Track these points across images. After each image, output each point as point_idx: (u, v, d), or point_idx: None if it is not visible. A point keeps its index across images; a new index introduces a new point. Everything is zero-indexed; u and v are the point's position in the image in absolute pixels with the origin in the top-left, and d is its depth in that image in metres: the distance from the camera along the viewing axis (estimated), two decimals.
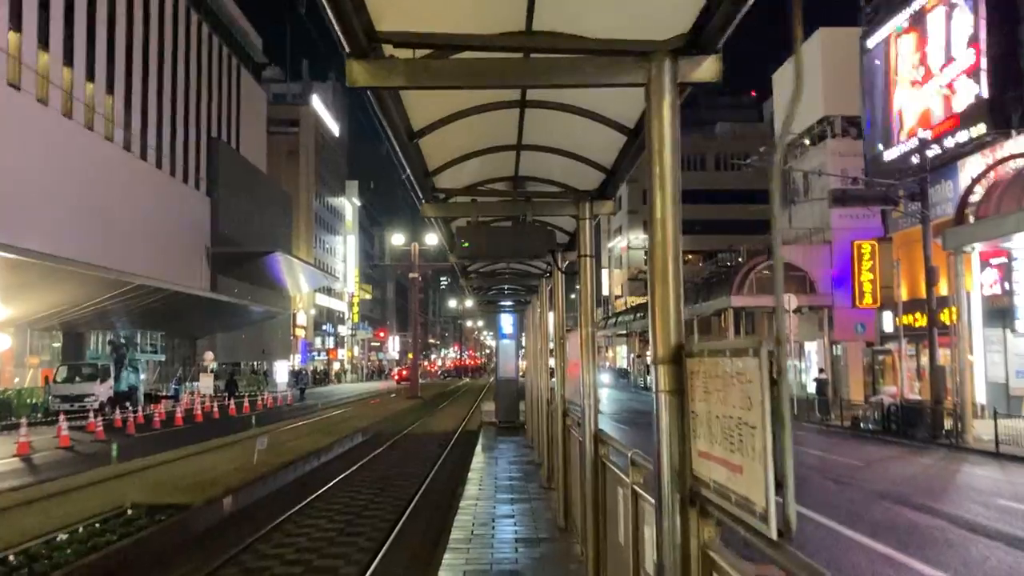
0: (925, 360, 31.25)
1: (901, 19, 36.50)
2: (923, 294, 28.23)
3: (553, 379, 12.71)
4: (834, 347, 43.03)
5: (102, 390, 35.45)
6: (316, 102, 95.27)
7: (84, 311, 43.61)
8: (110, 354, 39.35)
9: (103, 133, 49.00)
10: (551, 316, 14.57)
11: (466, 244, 8.85)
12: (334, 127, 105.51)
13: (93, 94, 48.49)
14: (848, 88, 41.06)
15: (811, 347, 44.27)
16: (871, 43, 38.81)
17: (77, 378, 35.97)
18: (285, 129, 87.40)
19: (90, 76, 48.40)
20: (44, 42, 44.10)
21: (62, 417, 26.40)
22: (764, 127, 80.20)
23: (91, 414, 28.85)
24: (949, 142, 31.54)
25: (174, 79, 57.67)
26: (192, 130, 60.58)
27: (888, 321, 37.50)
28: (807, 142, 46.56)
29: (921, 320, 30.85)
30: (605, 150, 7.24)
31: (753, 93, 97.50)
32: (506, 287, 19.26)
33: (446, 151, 7.83)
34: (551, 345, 14.89)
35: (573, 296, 16.71)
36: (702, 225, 72.01)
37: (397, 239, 53.69)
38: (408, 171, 7.52)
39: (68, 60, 46.29)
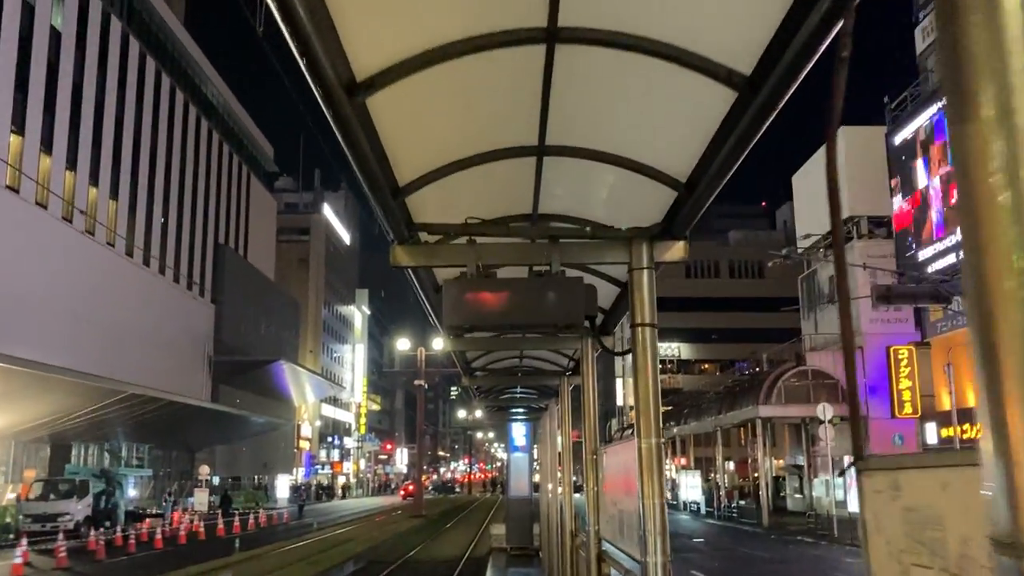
0: None
1: (927, 115, 34.88)
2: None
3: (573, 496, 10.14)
4: None
5: (79, 508, 32.41)
6: (327, 210, 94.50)
7: (74, 422, 41.02)
8: (95, 476, 36.45)
9: (104, 239, 47.38)
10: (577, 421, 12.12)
11: (458, 307, 6.29)
12: (345, 235, 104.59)
13: (96, 199, 47.10)
14: (874, 187, 39.26)
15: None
16: (898, 140, 37.15)
17: (52, 495, 32.97)
18: (296, 237, 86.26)
19: (93, 180, 47.06)
20: (47, 145, 42.87)
21: (24, 541, 23.48)
22: (777, 235, 78.66)
23: (61, 535, 25.87)
24: None
25: (181, 185, 56.46)
26: (198, 237, 59.07)
27: (932, 433, 34.59)
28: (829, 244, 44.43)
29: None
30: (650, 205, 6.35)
31: (764, 204, 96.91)
32: (518, 389, 16.87)
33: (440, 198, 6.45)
34: (568, 458, 12.46)
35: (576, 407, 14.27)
36: (718, 334, 69.56)
37: (403, 344, 51.47)
38: (369, 190, 5.47)
39: (71, 164, 45.03)
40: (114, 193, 48.81)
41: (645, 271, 6.47)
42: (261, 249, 72.89)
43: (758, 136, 4.21)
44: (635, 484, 5.80)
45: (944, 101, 1.45)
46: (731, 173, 4.94)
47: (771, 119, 3.96)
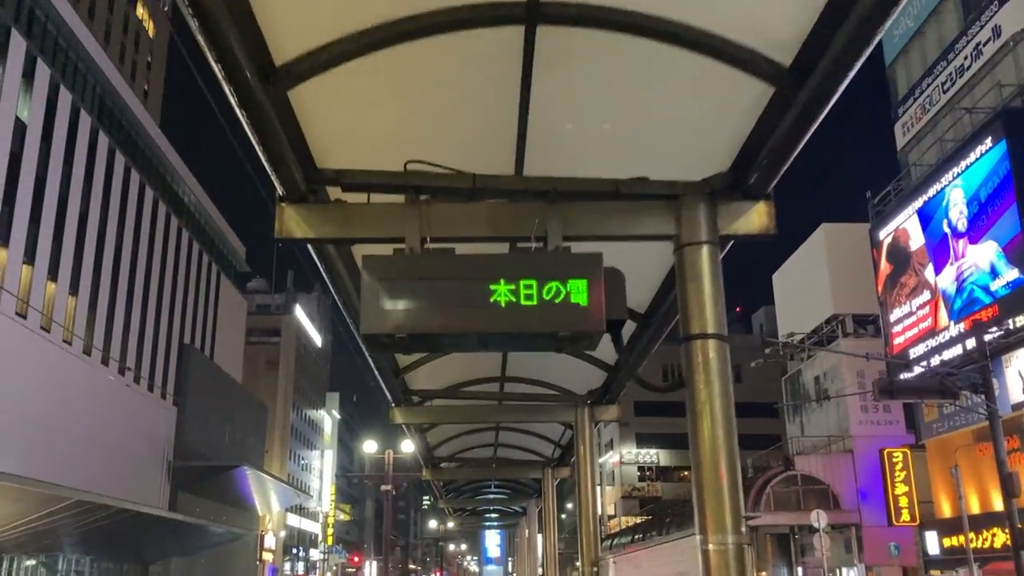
0: None
1: (912, 209, 33.02)
2: (991, 507, 22.75)
3: None
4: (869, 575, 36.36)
5: None
6: (299, 312, 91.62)
7: (13, 531, 36.75)
8: None
9: (61, 336, 44.01)
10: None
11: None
12: (316, 338, 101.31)
13: (54, 295, 43.95)
14: (858, 285, 37.24)
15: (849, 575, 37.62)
16: (883, 234, 35.13)
17: None
18: (265, 339, 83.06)
19: (53, 275, 44.01)
20: (3, 237, 39.97)
21: None
22: (753, 338, 76.23)
23: None
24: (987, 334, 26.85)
25: (147, 283, 53.49)
26: (163, 336, 55.77)
27: (933, 542, 31.33)
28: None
29: (1000, 537, 24.85)
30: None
31: (739, 309, 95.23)
32: (492, 486, 13.92)
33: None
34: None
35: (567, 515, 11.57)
36: None
37: (371, 446, 47.73)
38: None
39: (29, 258, 42.03)
40: (74, 289, 45.69)
41: (705, 246, 4.20)
42: (229, 350, 69.58)
43: None
44: None
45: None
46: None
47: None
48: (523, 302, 3.81)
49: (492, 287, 3.82)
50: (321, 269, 4.59)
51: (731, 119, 3.69)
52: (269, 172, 3.78)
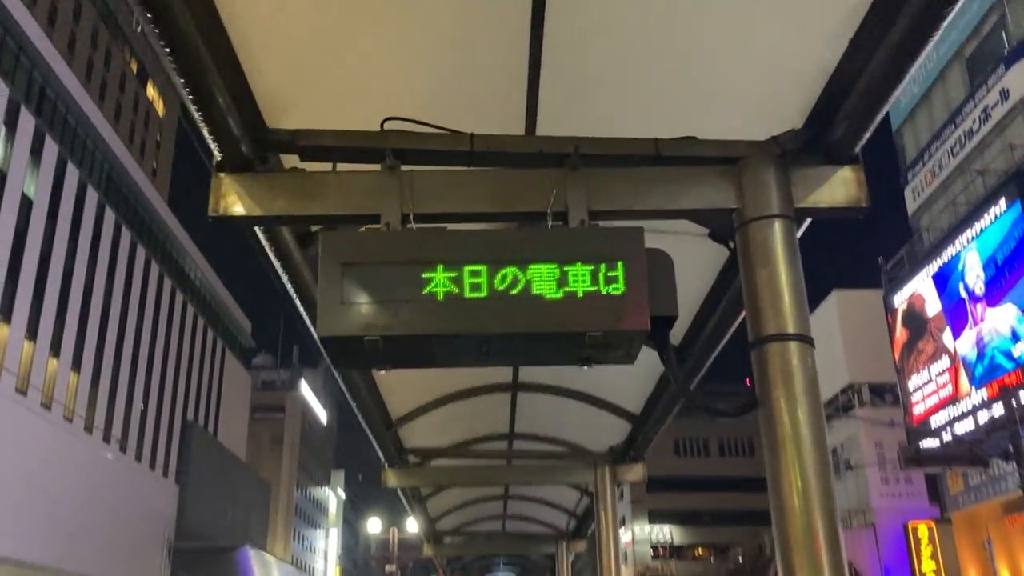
0: None
1: (926, 273, 32.12)
2: None
3: None
4: None
5: None
6: (304, 388, 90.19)
7: None
8: None
9: (62, 413, 42.86)
10: None
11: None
12: (322, 414, 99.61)
13: (56, 371, 42.93)
14: (873, 352, 36.09)
15: None
16: (897, 300, 34.15)
17: None
18: (270, 415, 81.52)
19: (55, 351, 43.06)
20: (6, 312, 39.13)
21: None
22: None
23: None
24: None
25: (151, 359, 52.48)
26: (166, 413, 54.52)
27: None
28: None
29: None
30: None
31: (748, 382, 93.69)
32: (501, 564, 12.65)
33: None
34: None
35: None
36: (710, 516, 64.33)
37: (375, 525, 45.69)
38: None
39: (31, 333, 41.14)
40: (76, 365, 44.69)
41: (778, 221, 3.22)
42: (233, 427, 68.19)
43: None
44: None
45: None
46: None
47: None
48: (538, 292, 2.81)
49: (496, 273, 2.83)
50: (274, 263, 3.58)
51: (806, 57, 2.76)
52: (202, 130, 2.83)
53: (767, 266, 2.86)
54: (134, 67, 57.41)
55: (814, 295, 41.36)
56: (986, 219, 28.69)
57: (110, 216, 47.77)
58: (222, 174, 2.99)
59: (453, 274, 2.81)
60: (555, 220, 3.07)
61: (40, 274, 41.34)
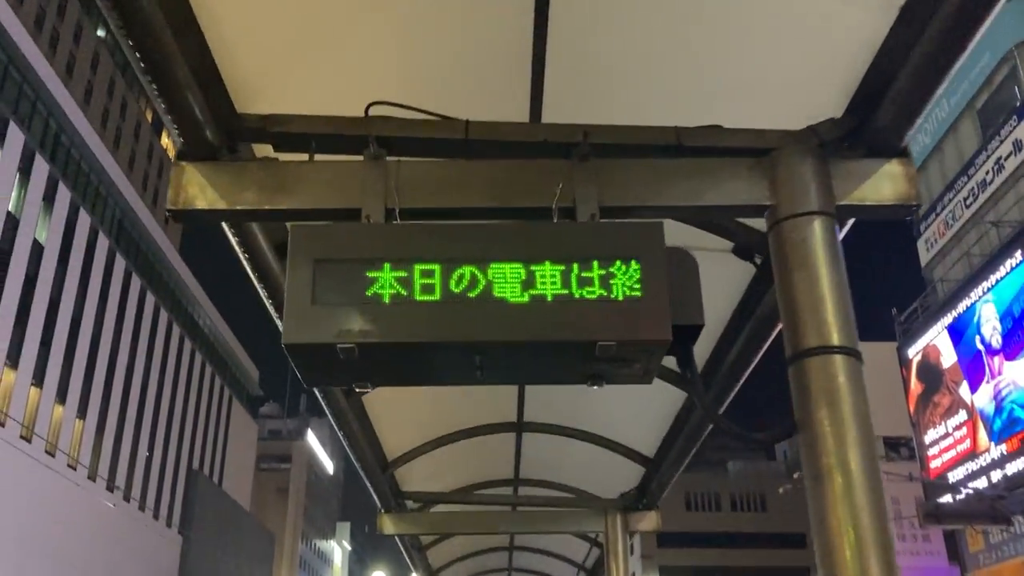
0: None
1: (941, 326, 31.58)
2: None
3: None
4: None
5: None
6: (311, 437, 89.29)
7: None
8: None
9: (67, 461, 42.34)
10: None
11: None
12: (328, 464, 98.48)
13: (61, 418, 42.52)
14: (887, 406, 35.28)
15: None
16: (912, 352, 33.50)
17: None
18: (276, 466, 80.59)
19: (61, 398, 42.71)
20: (13, 359, 38.87)
21: None
22: (777, 465, 73.68)
23: None
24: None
25: (157, 406, 52.05)
26: (171, 461, 53.89)
27: None
28: None
29: None
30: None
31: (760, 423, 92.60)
32: None
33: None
34: None
35: None
36: (721, 572, 62.86)
37: None
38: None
39: (38, 380, 40.83)
40: (82, 412, 44.29)
41: (818, 219, 2.79)
42: (238, 477, 67.34)
43: None
44: None
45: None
46: None
47: None
48: (542, 295, 2.43)
49: (492, 273, 2.45)
50: (242, 262, 3.19)
51: (847, 30, 2.40)
52: (162, 115, 2.48)
53: (805, 269, 2.47)
54: (149, 117, 57.94)
55: None
56: (1002, 271, 28.24)
57: (120, 263, 47.77)
58: (183, 163, 2.63)
59: (442, 274, 2.43)
60: (561, 217, 2.71)
61: (48, 320, 41.18)
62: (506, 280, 2.44)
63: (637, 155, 2.75)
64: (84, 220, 44.23)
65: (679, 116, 2.78)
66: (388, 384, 2.93)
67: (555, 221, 2.68)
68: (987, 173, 31.50)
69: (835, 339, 2.48)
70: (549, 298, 2.43)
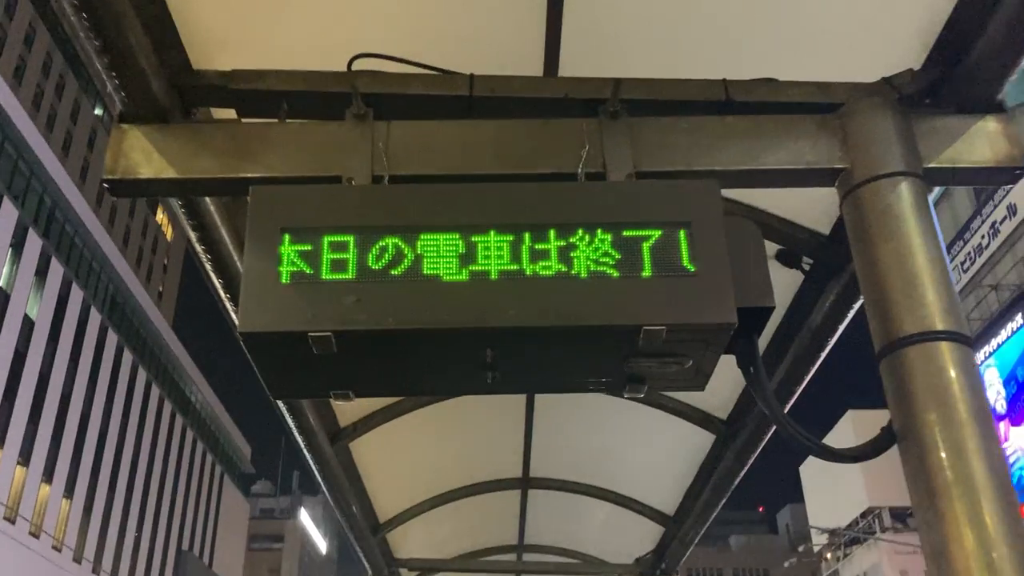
0: None
1: None
2: None
3: None
4: None
5: None
6: (304, 516, 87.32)
7: None
8: None
9: (51, 542, 40.95)
10: None
11: None
12: (322, 544, 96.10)
13: (47, 497, 41.27)
14: (894, 474, 34.57)
15: None
16: None
17: None
18: (268, 545, 78.64)
19: (47, 477, 41.53)
20: (0, 435, 37.91)
21: None
22: (780, 539, 72.18)
23: None
24: None
25: (147, 483, 50.73)
26: (160, 541, 52.35)
27: None
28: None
29: None
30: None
31: (761, 509, 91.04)
32: None
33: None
34: None
35: None
36: None
37: None
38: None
39: (24, 459, 39.74)
40: (69, 491, 43.02)
41: (905, 181, 2.23)
42: (229, 557, 65.49)
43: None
44: None
45: None
46: None
47: None
48: (569, 271, 1.92)
49: (508, 244, 1.95)
50: (196, 250, 2.68)
51: None
52: (105, 77, 2.01)
53: (894, 240, 1.98)
54: None
55: (826, 416, 40.21)
56: (1003, 335, 27.89)
57: (112, 338, 47.10)
58: (125, 125, 2.15)
59: (448, 244, 1.93)
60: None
61: (37, 397, 40.29)
62: (525, 254, 1.94)
63: (678, 113, 2.30)
64: (77, 295, 43.75)
65: (726, 68, 2.34)
66: (375, 392, 2.39)
67: (581, 179, 2.20)
68: (983, 237, 31.42)
69: (939, 323, 1.97)
70: (583, 273, 1.92)
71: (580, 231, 1.96)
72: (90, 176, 51.09)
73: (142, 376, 50.62)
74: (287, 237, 1.91)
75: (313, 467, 3.87)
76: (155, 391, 52.29)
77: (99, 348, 45.61)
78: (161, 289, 61.57)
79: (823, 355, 3.22)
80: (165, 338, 54.05)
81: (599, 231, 1.96)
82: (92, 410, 44.80)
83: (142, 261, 58.16)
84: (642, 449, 4.38)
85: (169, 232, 62.23)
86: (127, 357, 48.69)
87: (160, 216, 60.74)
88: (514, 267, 1.93)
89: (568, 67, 2.52)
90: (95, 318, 45.32)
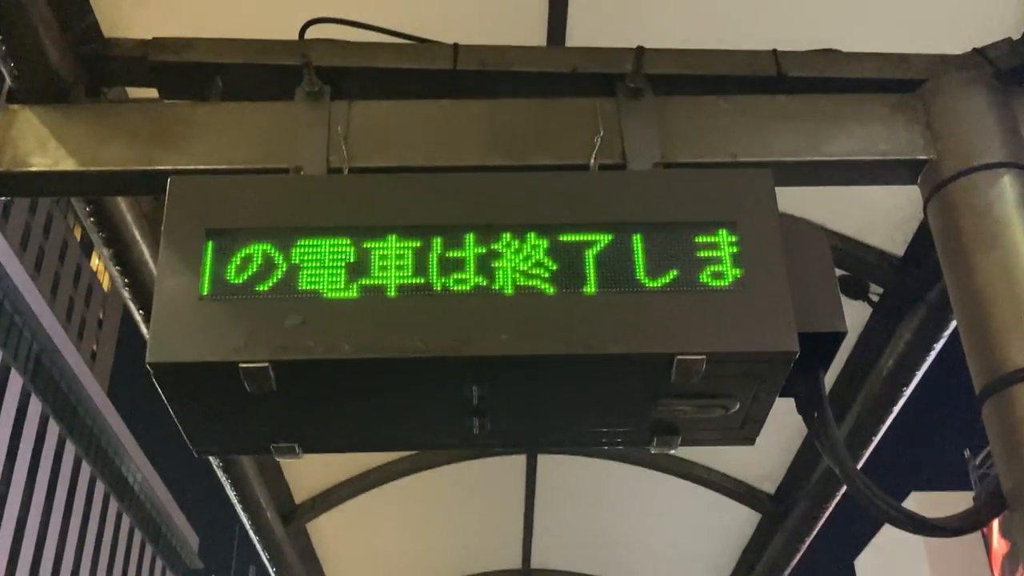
0: None
1: None
2: None
3: None
4: None
5: None
6: None
7: None
8: None
9: None
10: None
11: None
12: None
13: None
14: (963, 566, 34.83)
15: None
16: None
17: None
18: None
19: None
20: None
21: None
22: None
23: None
24: None
25: None
26: None
27: None
28: None
29: None
30: None
31: None
32: None
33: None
34: None
35: None
36: None
37: None
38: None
39: None
40: None
41: (1008, 173, 2.05)
42: None
43: None
44: None
45: None
46: None
47: None
48: (581, 280, 1.77)
49: (497, 249, 1.79)
50: (106, 264, 2.51)
51: None
52: None
53: (999, 248, 1.82)
54: (78, 234, 58.34)
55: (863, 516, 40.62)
56: None
57: (36, 405, 47.01)
58: (15, 106, 2.01)
59: (416, 249, 1.76)
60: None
61: None
62: (520, 262, 1.78)
63: (716, 91, 2.15)
64: None
65: (777, 36, 2.20)
66: (329, 446, 2.20)
67: (594, 168, 2.05)
68: None
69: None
70: (593, 288, 1.75)
71: (592, 234, 1.79)
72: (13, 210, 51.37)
73: (70, 451, 50.32)
74: (211, 243, 1.74)
75: (261, 553, 3.58)
76: (85, 469, 51.95)
77: (19, 418, 45.35)
78: (95, 348, 61.56)
79: (896, 409, 3.04)
80: (99, 405, 53.79)
81: (617, 234, 1.78)
82: (9, 492, 44.43)
83: (73, 314, 58.17)
84: (669, 532, 4.28)
85: (106, 281, 62.39)
86: (52, 428, 48.44)
87: (96, 263, 60.96)
88: (506, 280, 1.75)
89: (578, 35, 2.38)
90: (15, 380, 45.11)
